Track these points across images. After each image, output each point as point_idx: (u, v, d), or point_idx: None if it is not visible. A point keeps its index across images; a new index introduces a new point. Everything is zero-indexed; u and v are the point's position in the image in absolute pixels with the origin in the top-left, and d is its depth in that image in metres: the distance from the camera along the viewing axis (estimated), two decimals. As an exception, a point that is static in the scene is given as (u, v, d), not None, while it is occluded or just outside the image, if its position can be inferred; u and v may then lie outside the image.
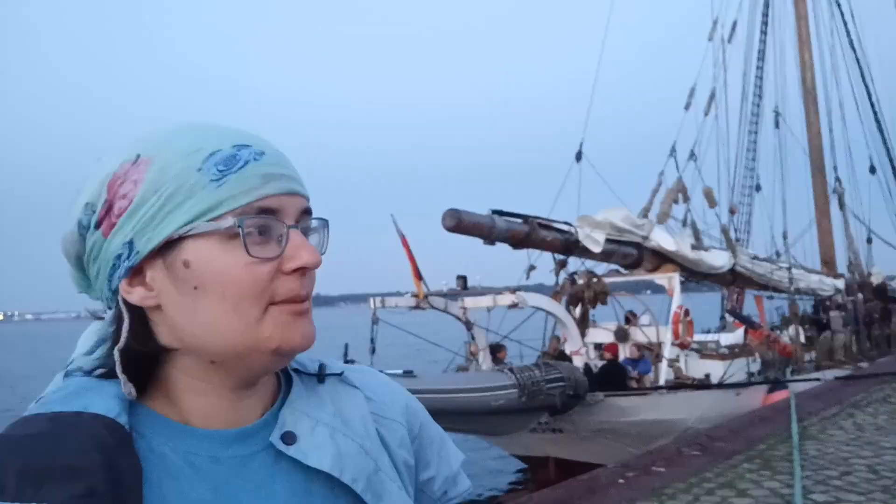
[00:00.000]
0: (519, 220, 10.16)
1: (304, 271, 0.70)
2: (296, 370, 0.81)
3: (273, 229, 0.68)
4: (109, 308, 0.72)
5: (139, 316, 0.69)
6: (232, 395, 0.72)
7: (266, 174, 0.68)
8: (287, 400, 0.76)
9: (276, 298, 0.68)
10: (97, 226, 0.68)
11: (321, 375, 0.81)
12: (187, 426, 0.70)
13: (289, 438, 0.72)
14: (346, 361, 9.23)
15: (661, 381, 10.77)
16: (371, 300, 10.56)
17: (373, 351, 10.10)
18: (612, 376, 10.38)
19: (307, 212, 0.73)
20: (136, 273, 0.68)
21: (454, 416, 8.42)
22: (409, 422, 0.86)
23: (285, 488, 0.71)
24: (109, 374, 0.69)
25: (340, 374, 0.83)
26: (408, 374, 8.41)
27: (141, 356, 0.70)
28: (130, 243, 0.67)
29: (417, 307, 10.20)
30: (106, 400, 0.66)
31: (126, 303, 0.69)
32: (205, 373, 0.70)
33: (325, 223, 0.75)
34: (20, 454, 0.59)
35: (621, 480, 5.64)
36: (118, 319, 0.70)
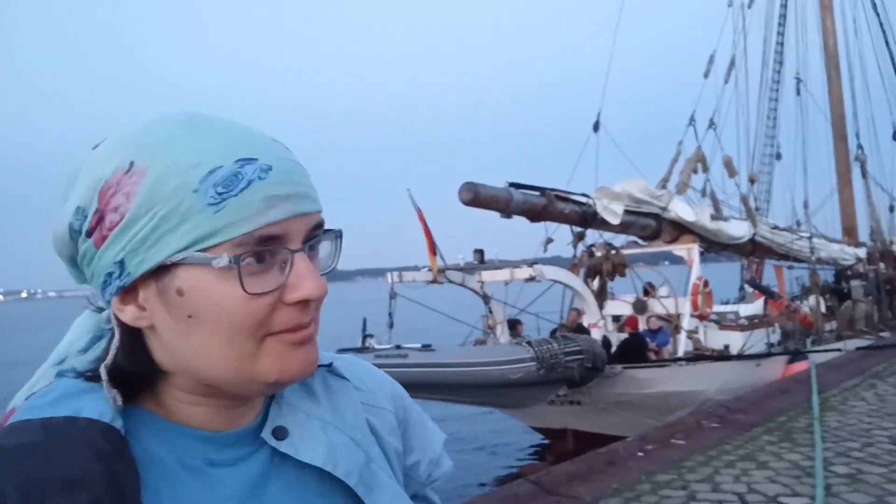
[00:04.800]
0: (536, 193, 10.09)
1: (307, 302, 0.65)
2: None
3: (276, 256, 0.64)
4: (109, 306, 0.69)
5: (133, 332, 0.66)
6: (230, 405, 0.70)
7: (270, 197, 0.62)
8: (276, 394, 0.75)
9: (273, 329, 0.65)
10: (88, 234, 0.64)
11: None
12: (183, 427, 0.68)
13: (280, 433, 0.71)
14: (365, 336, 9.32)
15: (680, 353, 10.74)
16: (388, 275, 10.57)
17: (391, 325, 10.15)
18: (632, 348, 10.37)
19: (319, 225, 0.68)
20: (128, 291, 0.64)
21: (473, 389, 8.47)
22: (395, 407, 0.85)
23: (279, 485, 0.70)
24: (99, 378, 0.67)
25: (329, 366, 0.82)
26: (426, 347, 8.43)
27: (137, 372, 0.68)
28: (122, 263, 0.63)
29: (435, 281, 10.21)
30: (98, 403, 0.64)
31: (119, 319, 0.66)
32: (202, 390, 0.68)
33: (337, 234, 0.71)
34: (17, 466, 0.57)
35: (640, 453, 5.65)
36: (112, 330, 0.68)
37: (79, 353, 0.70)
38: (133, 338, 0.67)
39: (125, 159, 0.63)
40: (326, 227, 0.70)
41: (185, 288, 0.62)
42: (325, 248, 0.71)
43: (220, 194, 0.61)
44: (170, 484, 0.64)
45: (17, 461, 0.57)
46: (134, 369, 0.67)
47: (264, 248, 0.63)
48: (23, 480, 0.56)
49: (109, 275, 0.64)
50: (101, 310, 0.71)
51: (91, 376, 0.68)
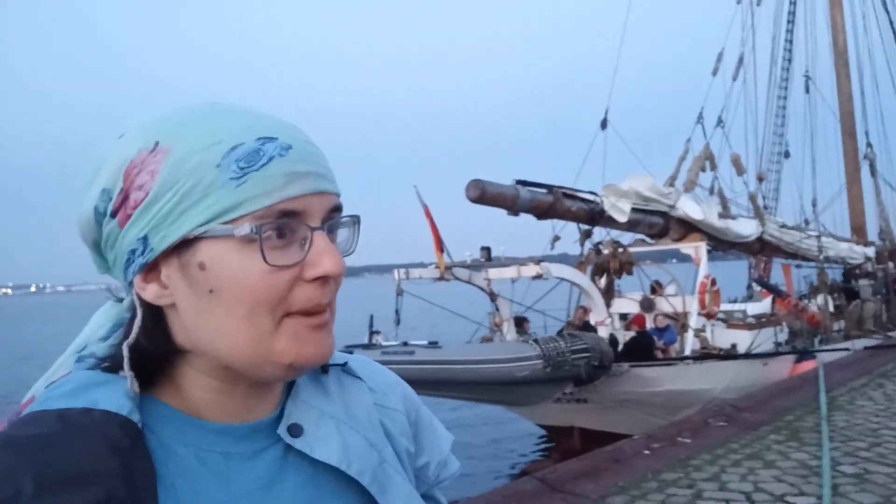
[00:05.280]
0: (543, 191, 10.08)
1: (326, 279, 0.66)
2: None
3: (296, 232, 0.65)
4: (129, 294, 0.70)
5: (154, 312, 0.67)
6: (248, 392, 0.70)
7: (291, 173, 0.64)
8: (292, 392, 0.75)
9: (292, 308, 0.65)
10: (113, 214, 0.65)
11: (325, 366, 0.80)
12: (199, 420, 0.69)
13: (295, 430, 0.72)
14: (372, 332, 9.32)
15: (687, 352, 10.72)
16: (395, 272, 10.57)
17: (398, 322, 10.15)
18: (639, 346, 10.35)
19: (337, 208, 0.69)
20: (151, 269, 0.65)
21: (479, 386, 8.47)
22: (408, 409, 0.86)
23: (294, 482, 0.70)
24: (120, 365, 0.67)
25: (344, 365, 0.83)
26: (433, 344, 8.43)
27: (156, 353, 0.68)
28: (145, 239, 0.64)
29: (441, 278, 10.21)
30: (116, 395, 0.64)
31: (141, 298, 0.67)
32: (220, 373, 0.68)
33: (355, 220, 0.72)
34: (33, 458, 0.56)
35: (647, 451, 5.65)
36: (135, 308, 0.68)
37: (99, 340, 0.71)
38: (154, 317, 0.67)
39: (150, 140, 0.64)
40: (345, 213, 0.71)
41: (207, 262, 0.63)
42: (343, 234, 0.72)
43: (241, 169, 0.62)
44: (186, 478, 0.65)
45: (32, 454, 0.57)
46: (154, 349, 0.67)
47: (284, 222, 0.64)
48: (37, 474, 0.55)
49: (132, 252, 0.65)
50: (121, 300, 0.72)
51: (110, 365, 0.69)
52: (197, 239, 0.63)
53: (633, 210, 11.17)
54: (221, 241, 0.63)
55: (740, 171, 14.44)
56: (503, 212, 9.65)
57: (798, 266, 17.47)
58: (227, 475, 0.67)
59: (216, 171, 0.62)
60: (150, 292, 0.66)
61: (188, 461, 0.66)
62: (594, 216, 10.93)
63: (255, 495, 0.68)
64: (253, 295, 0.63)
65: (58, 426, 0.60)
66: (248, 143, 0.63)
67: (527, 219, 10.14)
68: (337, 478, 0.72)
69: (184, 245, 0.63)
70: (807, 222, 19.18)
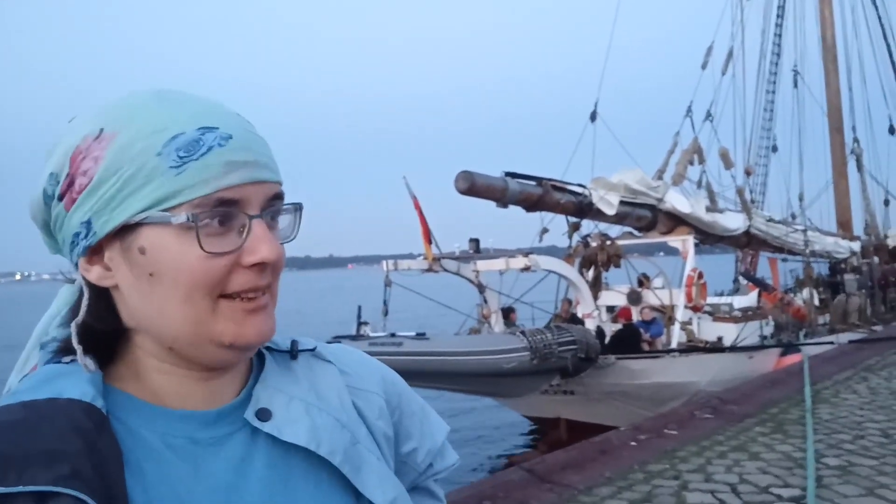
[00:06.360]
0: (532, 183, 10.08)
1: (263, 265, 0.68)
2: (268, 348, 0.81)
3: (234, 220, 0.66)
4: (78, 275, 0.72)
5: (100, 293, 0.69)
6: (201, 376, 0.71)
7: (229, 162, 0.65)
8: (260, 377, 0.76)
9: (228, 290, 0.67)
10: (60, 198, 0.67)
11: (294, 352, 0.81)
12: (163, 407, 0.70)
13: (263, 415, 0.72)
14: (360, 323, 9.30)
15: (674, 344, 10.78)
16: (384, 263, 10.57)
17: (386, 313, 10.15)
18: (626, 339, 10.39)
19: (278, 196, 0.70)
20: (95, 251, 0.67)
21: (466, 377, 8.48)
22: (388, 393, 0.86)
23: (264, 464, 0.71)
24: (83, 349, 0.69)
25: (313, 350, 0.84)
26: (420, 336, 8.44)
27: (106, 332, 0.70)
28: (89, 223, 0.66)
29: (430, 270, 10.21)
30: (80, 384, 0.65)
31: (86, 279, 0.69)
32: (167, 356, 0.69)
33: (297, 207, 0.74)
34: None
35: (633, 443, 5.67)
36: (83, 289, 0.70)
37: (59, 326, 0.73)
38: (100, 298, 0.69)
39: (95, 127, 0.66)
40: (287, 200, 0.72)
41: (147, 246, 0.65)
42: (285, 220, 0.73)
43: (181, 158, 0.64)
44: (154, 463, 0.65)
45: None
46: (102, 327, 0.69)
47: (222, 210, 0.65)
48: (3, 452, 0.57)
49: (77, 235, 0.67)
50: (73, 280, 0.73)
51: (67, 346, 0.70)
52: (138, 224, 0.65)
53: (622, 203, 11.20)
54: (161, 228, 0.64)
55: (728, 164, 14.50)
56: (492, 204, 9.65)
57: (784, 260, 17.60)
58: (196, 460, 0.68)
59: (157, 159, 0.64)
60: (94, 274, 0.68)
61: (156, 447, 0.67)
62: (583, 209, 10.95)
63: (225, 478, 0.68)
64: (190, 279, 0.65)
65: (22, 413, 0.61)
66: (189, 133, 0.65)
67: (515, 211, 10.15)
68: (309, 459, 0.72)
69: (126, 230, 0.65)
70: (793, 216, 19.32)
